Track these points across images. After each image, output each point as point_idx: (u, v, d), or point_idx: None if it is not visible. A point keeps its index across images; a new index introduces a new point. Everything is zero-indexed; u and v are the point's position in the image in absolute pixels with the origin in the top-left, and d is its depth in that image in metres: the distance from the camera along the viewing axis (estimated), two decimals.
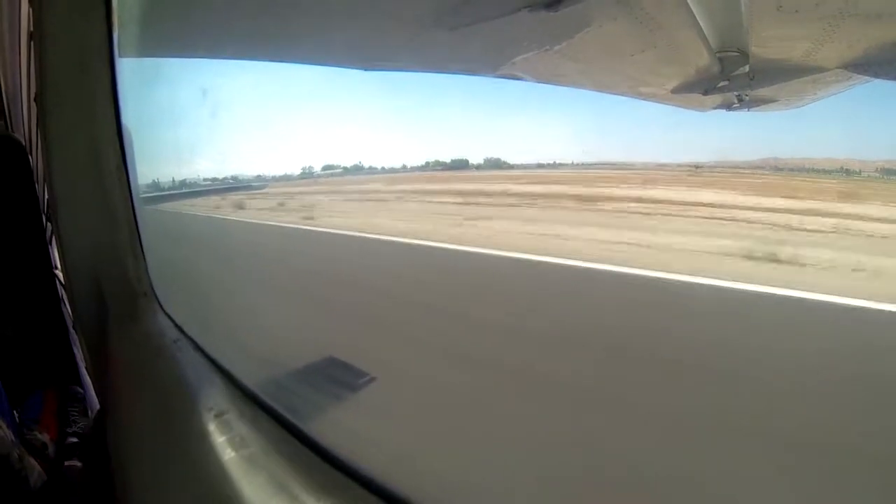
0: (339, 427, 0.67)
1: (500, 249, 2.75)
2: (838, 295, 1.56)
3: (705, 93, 1.53)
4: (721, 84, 1.44)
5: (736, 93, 1.54)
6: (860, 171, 1.82)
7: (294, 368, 0.86)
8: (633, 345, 1.53)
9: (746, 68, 1.43)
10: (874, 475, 0.83)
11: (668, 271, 2.05)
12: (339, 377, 0.80)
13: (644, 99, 1.63)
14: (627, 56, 1.36)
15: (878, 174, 1.80)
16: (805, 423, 1.01)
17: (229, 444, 0.59)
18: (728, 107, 1.60)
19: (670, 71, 1.45)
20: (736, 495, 0.79)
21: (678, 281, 2.01)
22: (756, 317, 1.69)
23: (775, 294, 1.71)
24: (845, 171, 1.87)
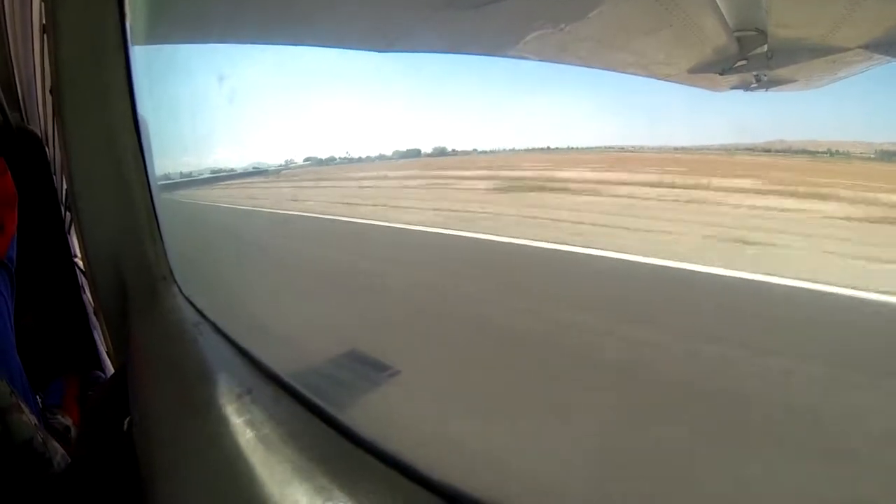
0: (364, 407, 0.68)
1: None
2: None
3: (722, 73, 1.49)
4: (739, 64, 1.41)
5: (754, 73, 1.50)
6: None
7: (317, 349, 0.87)
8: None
9: (764, 48, 1.39)
10: None
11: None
12: (361, 357, 0.80)
13: (659, 79, 1.60)
14: (642, 35, 1.33)
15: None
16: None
17: (254, 424, 0.60)
18: (746, 88, 1.56)
19: (686, 51, 1.42)
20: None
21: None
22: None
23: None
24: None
